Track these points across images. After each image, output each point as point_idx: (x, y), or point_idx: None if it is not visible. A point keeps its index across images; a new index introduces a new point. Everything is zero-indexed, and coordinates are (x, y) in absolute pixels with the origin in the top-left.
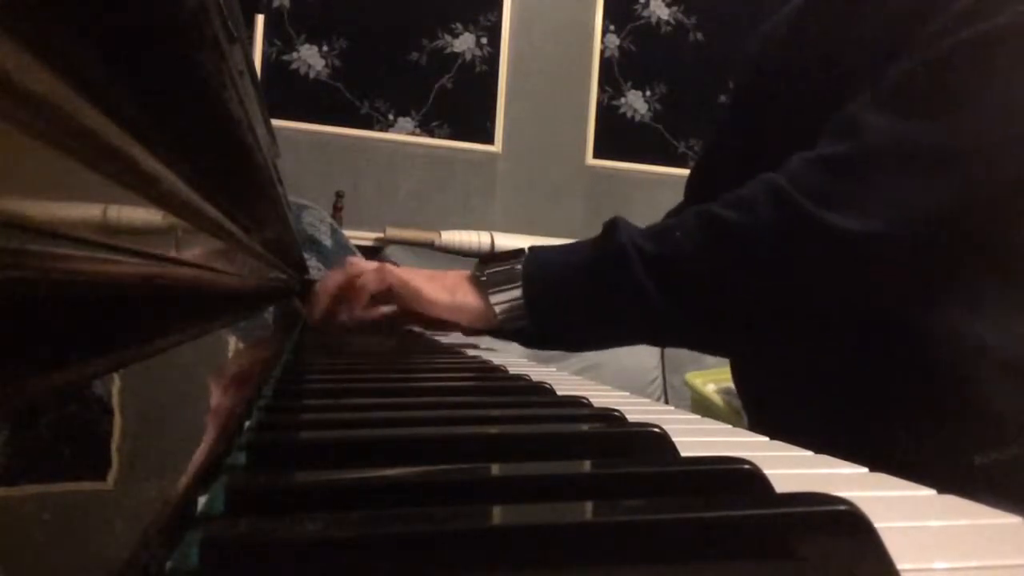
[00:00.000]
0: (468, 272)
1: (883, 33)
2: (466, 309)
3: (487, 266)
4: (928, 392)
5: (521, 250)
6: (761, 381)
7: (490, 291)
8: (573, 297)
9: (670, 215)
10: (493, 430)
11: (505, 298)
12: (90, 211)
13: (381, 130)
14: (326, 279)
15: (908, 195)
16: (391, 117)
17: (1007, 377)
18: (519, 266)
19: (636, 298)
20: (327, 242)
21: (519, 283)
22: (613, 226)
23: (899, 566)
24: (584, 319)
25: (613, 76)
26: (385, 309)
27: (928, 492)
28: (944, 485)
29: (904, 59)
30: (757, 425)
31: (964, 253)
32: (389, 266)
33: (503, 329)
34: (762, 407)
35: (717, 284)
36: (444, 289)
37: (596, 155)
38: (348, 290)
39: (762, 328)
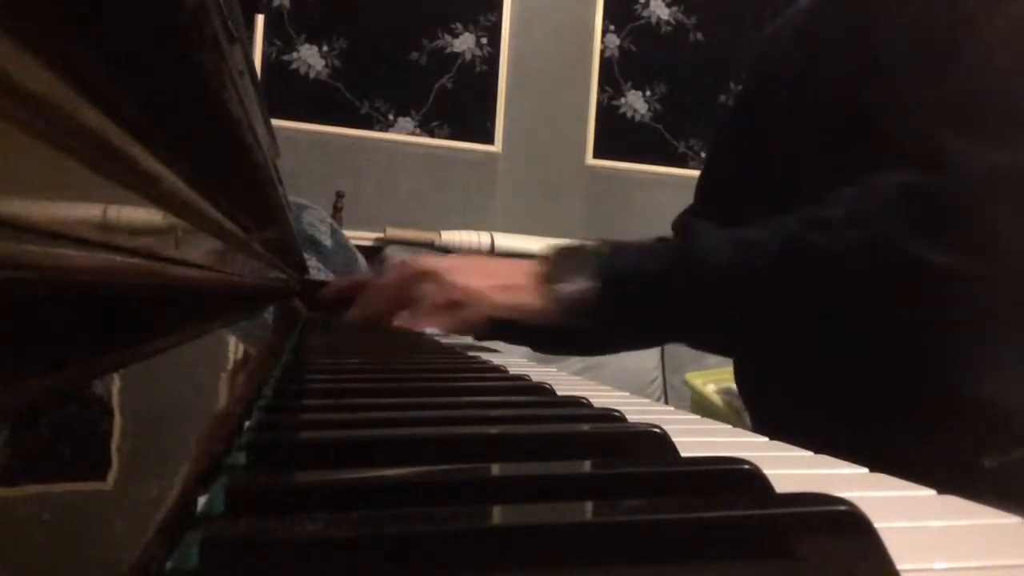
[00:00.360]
0: (528, 264)
1: (914, 38)
2: (527, 306)
3: (554, 258)
4: (937, 394)
5: (595, 245)
6: (763, 382)
7: (556, 282)
8: (647, 299)
9: (677, 223)
10: (493, 430)
11: (572, 292)
12: (90, 211)
13: (381, 130)
14: (382, 283)
15: (1004, 230)
16: (391, 117)
17: (1016, 379)
18: (592, 256)
19: (710, 309)
20: (327, 242)
21: (590, 278)
22: (696, 232)
23: (899, 566)
24: (655, 322)
25: (613, 76)
26: (432, 320)
27: (928, 492)
28: (952, 487)
29: (961, 74)
30: (759, 424)
31: None
32: (450, 270)
33: (556, 323)
34: (765, 407)
35: (793, 304)
36: (509, 292)
37: (596, 155)
38: (404, 297)
39: (823, 347)
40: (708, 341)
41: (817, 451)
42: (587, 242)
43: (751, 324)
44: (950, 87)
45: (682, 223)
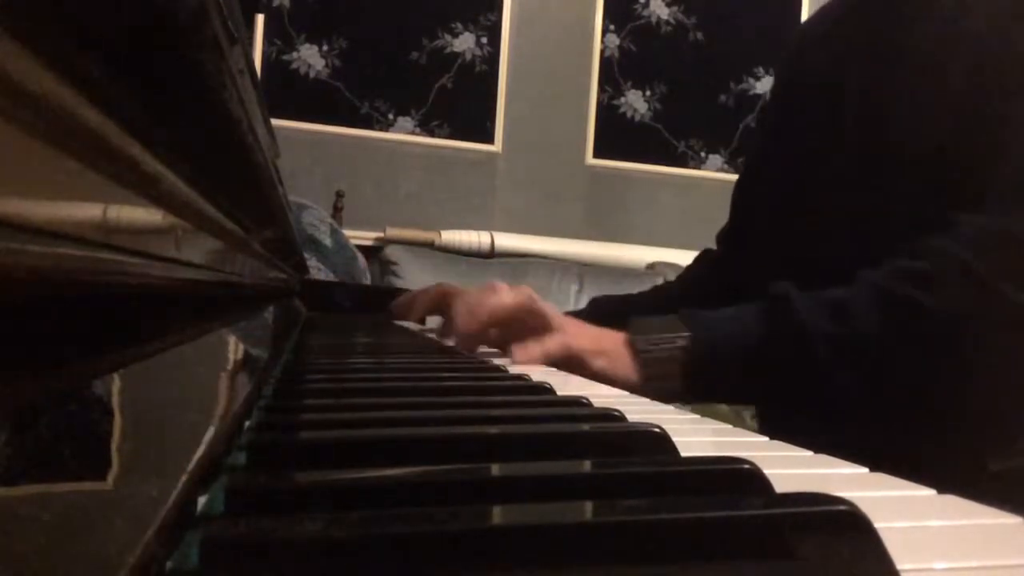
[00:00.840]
0: (626, 337)
1: (973, 77)
2: (619, 378)
3: (648, 337)
4: (945, 399)
5: (681, 317)
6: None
7: (647, 364)
8: (741, 378)
9: (721, 235)
10: (493, 430)
11: (662, 371)
12: (90, 211)
13: (381, 130)
14: (496, 304)
15: None
16: (391, 117)
17: (1022, 385)
18: (680, 342)
19: (812, 379)
20: (327, 242)
21: (679, 362)
22: (787, 301)
23: (899, 566)
24: (748, 396)
25: (613, 76)
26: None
27: (928, 492)
28: (956, 490)
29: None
30: (765, 422)
31: None
32: (569, 334)
33: (646, 392)
34: (774, 409)
35: (903, 364)
36: (605, 357)
37: (596, 155)
38: (520, 331)
39: (922, 396)
40: (805, 405)
41: (819, 450)
42: (677, 315)
43: (857, 387)
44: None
45: (727, 249)
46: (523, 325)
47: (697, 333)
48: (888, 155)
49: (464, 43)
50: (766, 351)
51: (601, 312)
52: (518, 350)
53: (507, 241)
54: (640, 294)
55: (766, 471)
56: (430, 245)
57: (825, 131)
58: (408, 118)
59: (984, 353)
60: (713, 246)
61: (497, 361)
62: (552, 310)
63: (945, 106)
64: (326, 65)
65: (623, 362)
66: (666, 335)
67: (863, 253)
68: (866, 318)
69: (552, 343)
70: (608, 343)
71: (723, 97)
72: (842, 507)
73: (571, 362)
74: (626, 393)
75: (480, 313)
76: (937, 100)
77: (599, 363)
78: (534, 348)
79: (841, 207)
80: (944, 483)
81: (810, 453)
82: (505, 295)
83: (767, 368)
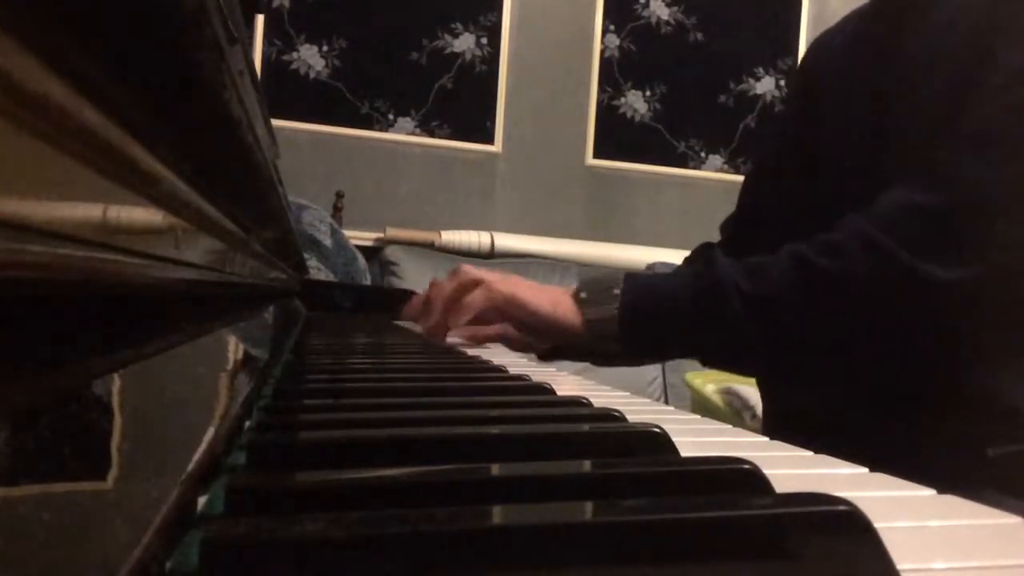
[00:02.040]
0: (569, 289)
1: (939, 60)
2: (561, 320)
3: (588, 285)
4: (942, 386)
5: (622, 274)
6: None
7: (587, 308)
8: (667, 324)
9: (725, 225)
10: (493, 430)
11: (599, 315)
12: (90, 211)
13: (381, 130)
14: (439, 289)
15: (1005, 242)
16: (391, 117)
17: (1021, 371)
18: (617, 290)
19: (729, 331)
20: (327, 242)
21: (616, 304)
22: (711, 260)
23: (899, 566)
24: (673, 344)
25: (613, 76)
26: (493, 330)
27: (928, 492)
28: (955, 477)
29: (980, 101)
30: (772, 417)
31: None
32: (495, 281)
33: (587, 344)
34: (783, 400)
35: (809, 326)
36: (548, 301)
37: (596, 155)
38: (454, 303)
39: (843, 361)
40: (725, 361)
41: (823, 443)
42: (618, 272)
43: (767, 344)
44: (970, 109)
45: (725, 230)
46: (457, 309)
47: (629, 285)
48: (889, 155)
49: (464, 43)
50: (688, 305)
51: None
52: (453, 334)
53: (507, 241)
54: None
55: (766, 471)
56: (430, 245)
57: (838, 131)
58: (408, 118)
59: (900, 323)
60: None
61: (497, 361)
62: (490, 274)
63: (930, 117)
64: (326, 65)
65: (566, 307)
66: (605, 285)
67: None
68: (776, 278)
69: (477, 295)
70: (551, 291)
71: (723, 97)
72: (842, 507)
73: (506, 305)
74: (626, 393)
75: (433, 309)
76: (924, 110)
77: (541, 305)
78: (461, 312)
79: (853, 205)
80: (941, 469)
81: (810, 453)
82: (443, 284)
83: (688, 321)
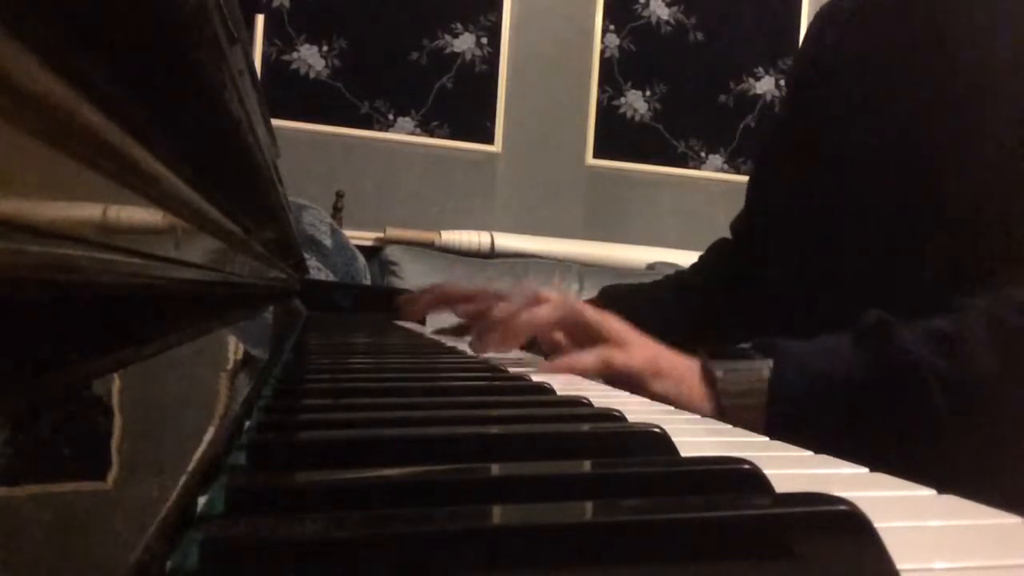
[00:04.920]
0: (699, 362)
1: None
2: (692, 405)
3: (724, 363)
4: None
5: (759, 345)
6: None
7: (725, 395)
8: (833, 416)
9: (735, 224)
10: (493, 430)
11: (741, 403)
12: (90, 211)
13: (381, 130)
14: (535, 316)
15: None
16: (391, 117)
17: None
18: (765, 372)
19: (927, 422)
20: (327, 242)
21: (762, 395)
22: (887, 334)
23: (899, 566)
24: (838, 433)
25: (613, 76)
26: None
27: (928, 492)
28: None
29: None
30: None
31: None
32: (619, 334)
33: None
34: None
35: (1014, 405)
36: (672, 381)
37: (596, 155)
38: (545, 336)
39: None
40: (911, 450)
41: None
42: (753, 344)
43: (976, 428)
44: None
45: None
46: (570, 336)
47: (785, 364)
48: (890, 141)
49: (464, 43)
50: (868, 389)
51: (611, 301)
52: (558, 362)
53: (507, 241)
54: (653, 283)
55: (766, 471)
56: (430, 245)
57: (840, 115)
58: (408, 118)
59: None
60: (714, 245)
61: (497, 361)
62: (603, 317)
63: (926, 105)
64: (326, 65)
65: (692, 389)
66: (746, 362)
67: (882, 239)
68: (985, 355)
69: (591, 357)
70: (673, 365)
71: (723, 97)
72: (842, 507)
73: (622, 380)
74: (626, 393)
75: (518, 329)
76: (923, 98)
77: (660, 386)
78: (574, 361)
79: (858, 191)
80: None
81: (810, 453)
82: (545, 310)
83: (867, 408)
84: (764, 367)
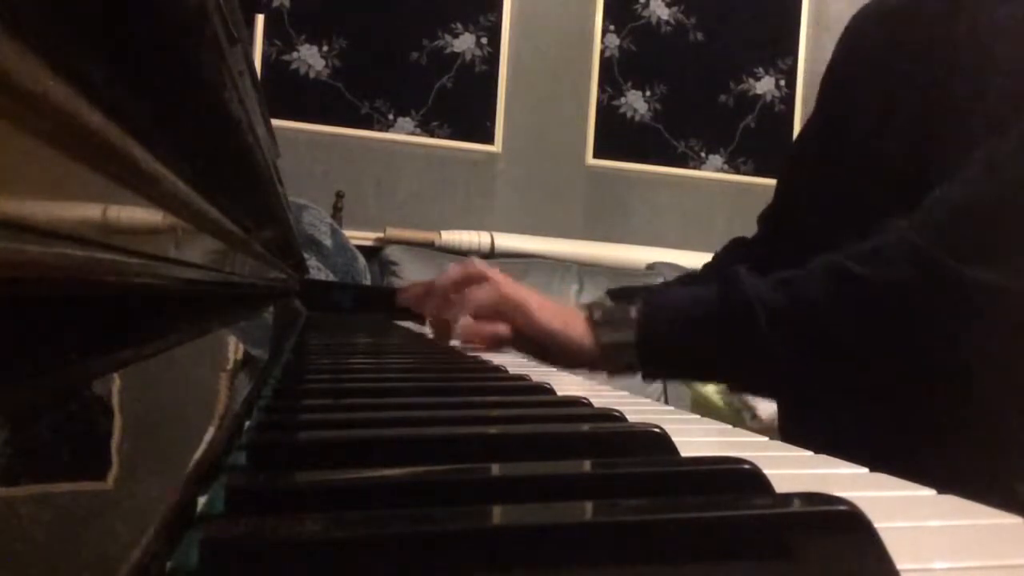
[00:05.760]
0: (581, 307)
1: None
2: (573, 341)
3: (601, 306)
4: (972, 419)
5: (638, 291)
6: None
7: (601, 330)
8: (690, 349)
9: (761, 217)
10: (493, 430)
11: (614, 339)
12: (90, 211)
13: (381, 130)
14: (443, 276)
15: None
16: (391, 117)
17: None
18: (633, 312)
19: (760, 353)
20: (327, 242)
21: (633, 329)
22: (736, 279)
23: (899, 566)
24: (698, 369)
25: (613, 76)
26: (497, 329)
27: (928, 492)
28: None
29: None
30: (790, 435)
31: None
32: (505, 283)
33: (599, 367)
34: (800, 418)
35: (845, 343)
36: (556, 317)
37: (596, 155)
38: (457, 293)
39: (882, 377)
40: (752, 385)
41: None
42: (634, 287)
43: (797, 365)
44: (995, 94)
45: (761, 230)
46: (460, 301)
47: (653, 304)
48: (921, 141)
49: (464, 43)
50: (712, 322)
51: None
52: (450, 308)
53: (507, 241)
54: (665, 283)
55: (766, 471)
56: (430, 245)
57: (875, 114)
58: (408, 118)
59: (937, 331)
60: (714, 246)
61: (497, 361)
62: (501, 275)
63: (944, 103)
64: (326, 65)
65: (576, 327)
66: (620, 306)
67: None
68: (807, 289)
69: (483, 290)
70: (563, 309)
71: (723, 97)
72: (842, 507)
73: (513, 312)
74: (626, 393)
75: (433, 295)
76: (978, 110)
77: (551, 322)
78: (467, 297)
79: (888, 189)
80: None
81: (810, 453)
82: (448, 272)
83: (712, 339)
84: (634, 309)
